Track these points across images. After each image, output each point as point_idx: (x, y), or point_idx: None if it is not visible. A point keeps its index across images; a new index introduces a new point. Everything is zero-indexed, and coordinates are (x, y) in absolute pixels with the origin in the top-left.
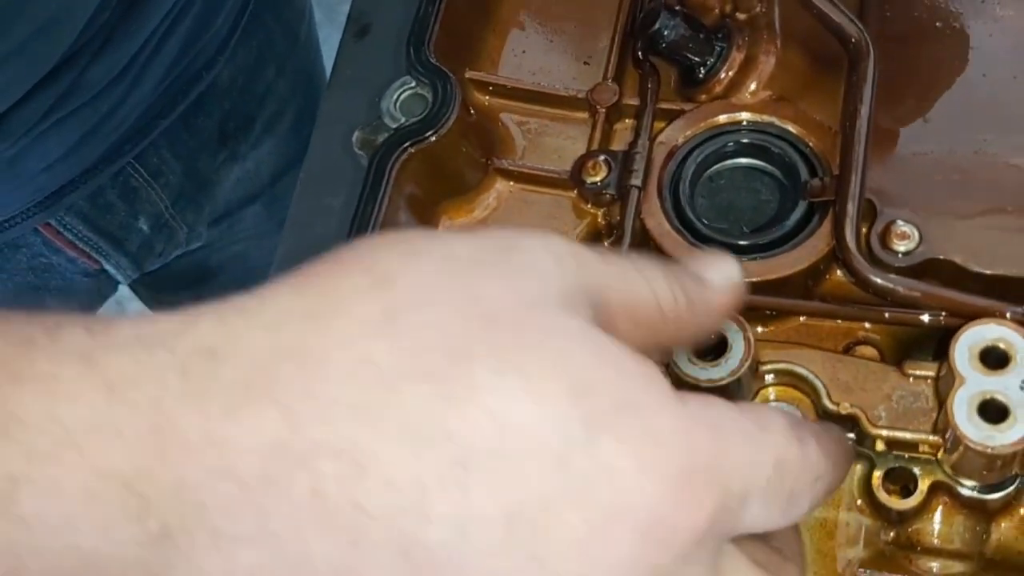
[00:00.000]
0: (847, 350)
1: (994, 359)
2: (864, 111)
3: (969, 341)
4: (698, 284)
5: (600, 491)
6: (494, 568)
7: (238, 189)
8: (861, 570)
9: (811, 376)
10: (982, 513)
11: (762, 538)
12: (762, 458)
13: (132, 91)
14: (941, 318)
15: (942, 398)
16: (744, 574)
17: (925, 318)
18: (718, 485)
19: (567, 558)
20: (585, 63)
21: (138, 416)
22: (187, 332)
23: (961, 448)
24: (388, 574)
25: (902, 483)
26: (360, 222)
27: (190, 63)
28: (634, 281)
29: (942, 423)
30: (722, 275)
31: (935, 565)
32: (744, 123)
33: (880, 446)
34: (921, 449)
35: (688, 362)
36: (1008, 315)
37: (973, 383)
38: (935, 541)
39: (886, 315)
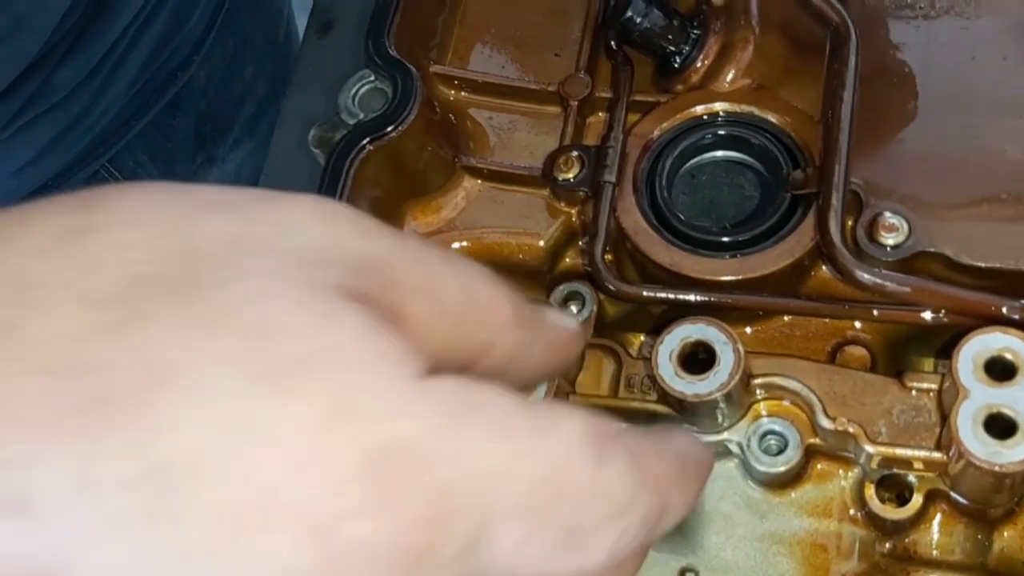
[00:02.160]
0: (836, 351)
1: (1000, 370)
2: (847, 97)
3: (973, 351)
4: (535, 306)
5: (255, 469)
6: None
7: None
8: None
9: (806, 391)
10: (983, 522)
11: None
12: (519, 467)
13: (104, 92)
14: (932, 316)
15: (945, 412)
16: None
17: (927, 315)
18: (429, 489)
19: (202, 538)
20: (556, 55)
21: None
22: None
23: (963, 464)
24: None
25: (897, 491)
26: None
27: (164, 63)
28: (437, 266)
29: (946, 439)
30: (564, 317)
31: None
32: (721, 114)
33: (877, 463)
34: (925, 467)
35: (674, 376)
36: (1005, 310)
37: (978, 396)
38: (934, 552)
39: (875, 313)
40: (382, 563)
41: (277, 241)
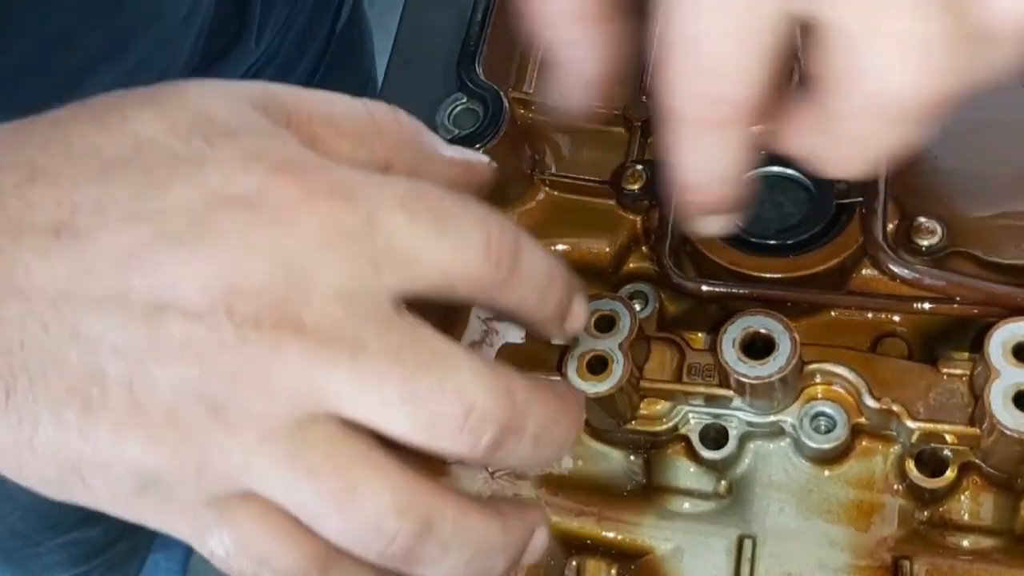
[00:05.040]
0: (876, 342)
1: None
2: None
3: (1002, 338)
4: (429, 131)
5: (210, 175)
6: (121, 239)
7: None
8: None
9: (853, 375)
10: (1010, 491)
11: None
12: (391, 179)
13: None
14: (965, 306)
15: (977, 393)
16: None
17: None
18: (332, 177)
19: (185, 227)
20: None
21: None
22: None
23: (995, 436)
24: (40, 252)
25: (934, 466)
26: None
27: None
28: (340, 96)
29: (979, 415)
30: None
31: (966, 541)
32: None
33: (917, 438)
34: (958, 440)
35: (737, 360)
36: None
37: (1007, 376)
38: (966, 518)
39: (915, 306)
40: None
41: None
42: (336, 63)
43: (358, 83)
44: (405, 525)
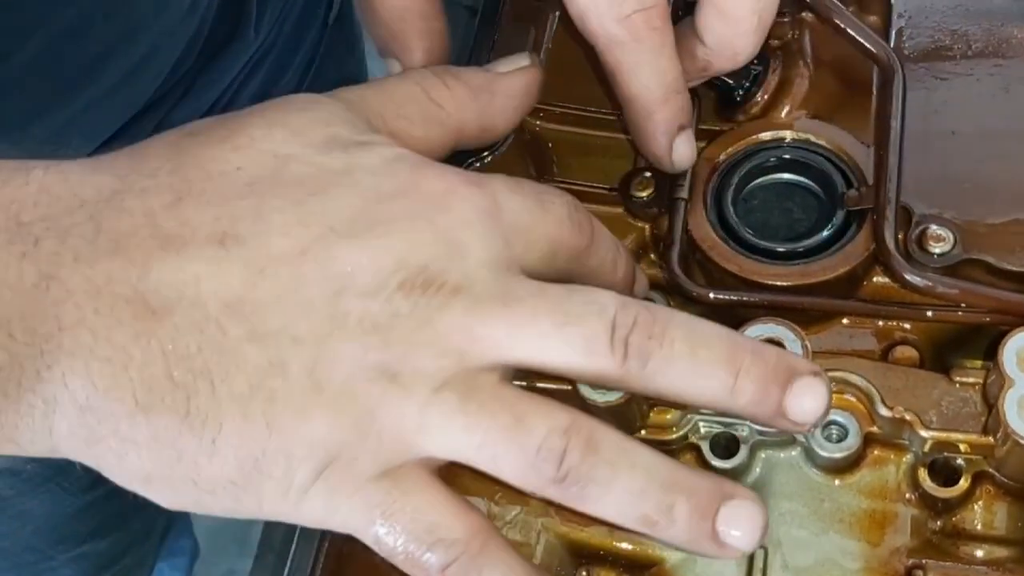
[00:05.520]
0: (887, 351)
1: None
2: (895, 125)
3: (1017, 346)
4: (476, 72)
5: (362, 178)
6: (289, 239)
7: None
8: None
9: (865, 383)
10: (1023, 501)
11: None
12: (492, 177)
13: None
14: (978, 314)
15: (990, 402)
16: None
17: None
18: (462, 171)
19: (351, 220)
20: None
21: (16, 175)
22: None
23: (1009, 445)
24: (211, 262)
25: (947, 475)
26: None
27: None
28: (392, 83)
29: (992, 424)
30: (508, 65)
31: (980, 551)
32: (782, 140)
33: (929, 447)
34: (972, 450)
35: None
36: None
37: (1022, 385)
38: (979, 528)
39: (928, 313)
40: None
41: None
42: (330, 53)
43: (352, 73)
44: (572, 439)
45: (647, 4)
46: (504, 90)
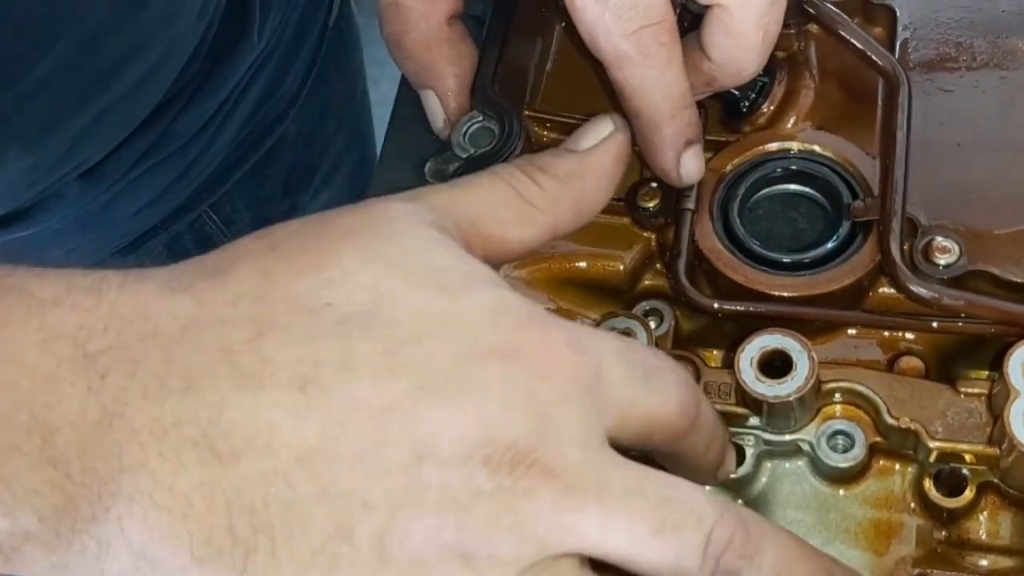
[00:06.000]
0: (892, 361)
1: None
2: (900, 136)
3: (1022, 357)
4: (563, 158)
5: (462, 330)
6: (376, 393)
7: None
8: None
9: (871, 394)
10: None
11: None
12: (601, 339)
13: (214, 142)
14: (983, 325)
15: (996, 413)
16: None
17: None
18: (568, 331)
19: (443, 379)
20: None
21: (87, 297)
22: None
23: (1015, 456)
24: (288, 409)
25: (952, 485)
26: None
27: (263, 116)
28: (482, 184)
29: (998, 435)
30: (592, 137)
31: (985, 561)
32: (788, 151)
33: (935, 457)
34: (977, 460)
35: (755, 379)
36: None
37: None
38: (983, 538)
39: (934, 324)
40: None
41: (388, 212)
42: (330, 56)
43: (350, 78)
44: None
45: (654, 19)
46: (595, 170)
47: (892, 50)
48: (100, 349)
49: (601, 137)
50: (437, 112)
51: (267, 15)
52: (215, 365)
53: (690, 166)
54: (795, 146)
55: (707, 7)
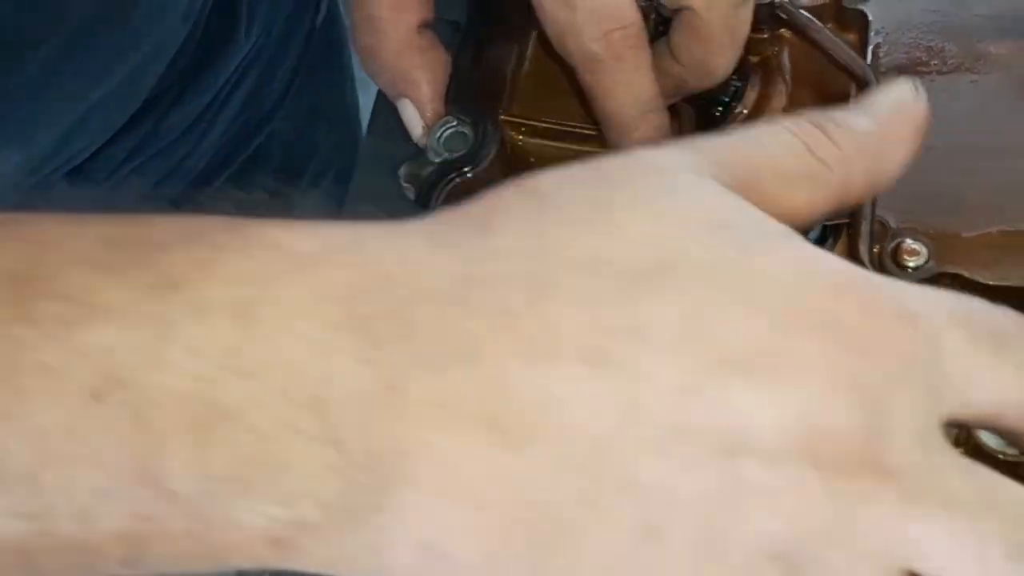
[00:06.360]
0: None
1: None
2: None
3: None
4: (860, 115)
5: (768, 295)
6: (676, 373)
7: None
8: None
9: None
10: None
11: None
12: (938, 292)
13: (200, 142)
14: None
15: None
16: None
17: None
18: (893, 297)
19: (754, 355)
20: None
21: (350, 253)
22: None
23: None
24: (579, 388)
25: None
26: None
27: (250, 118)
28: (765, 134)
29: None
30: (892, 99)
31: None
32: None
33: None
34: None
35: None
36: None
37: None
38: None
39: None
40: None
41: (658, 161)
42: (318, 56)
43: (339, 78)
44: None
45: (625, 22)
46: (895, 136)
47: (864, 54)
48: (372, 313)
49: (902, 100)
50: (415, 120)
51: (254, 15)
52: (497, 331)
53: None
54: None
55: (675, 11)
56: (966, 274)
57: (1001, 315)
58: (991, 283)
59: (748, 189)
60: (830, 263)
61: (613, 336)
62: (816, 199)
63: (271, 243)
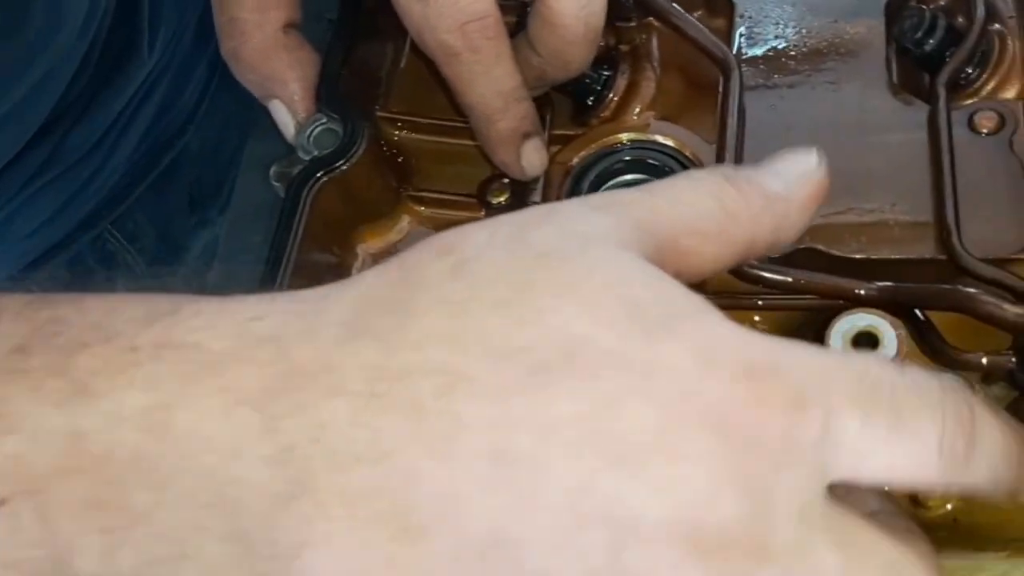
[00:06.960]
0: None
1: (866, 343)
2: (731, 121)
3: (843, 329)
4: (771, 177)
5: (665, 387)
6: (573, 467)
7: (207, 253)
8: None
9: None
10: None
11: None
12: (841, 367)
13: (110, 157)
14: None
15: None
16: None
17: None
18: (787, 384)
19: (646, 450)
20: None
21: (265, 349)
22: (305, 292)
23: None
24: (480, 481)
25: None
26: (278, 246)
27: (162, 132)
28: (688, 194)
29: None
30: (799, 167)
31: None
32: (631, 142)
33: None
34: None
35: None
36: (863, 292)
37: None
38: None
39: (759, 302)
40: (776, 447)
41: (586, 231)
42: (229, 72)
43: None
44: None
45: (480, 14)
46: (800, 201)
47: (731, 40)
48: (284, 412)
49: (807, 169)
50: (287, 120)
51: (157, 30)
52: (405, 425)
53: (532, 159)
54: (631, 137)
55: (532, 2)
56: (823, 248)
57: (903, 385)
58: (846, 255)
59: (665, 250)
60: (731, 347)
61: (518, 430)
62: (723, 254)
63: (188, 342)
